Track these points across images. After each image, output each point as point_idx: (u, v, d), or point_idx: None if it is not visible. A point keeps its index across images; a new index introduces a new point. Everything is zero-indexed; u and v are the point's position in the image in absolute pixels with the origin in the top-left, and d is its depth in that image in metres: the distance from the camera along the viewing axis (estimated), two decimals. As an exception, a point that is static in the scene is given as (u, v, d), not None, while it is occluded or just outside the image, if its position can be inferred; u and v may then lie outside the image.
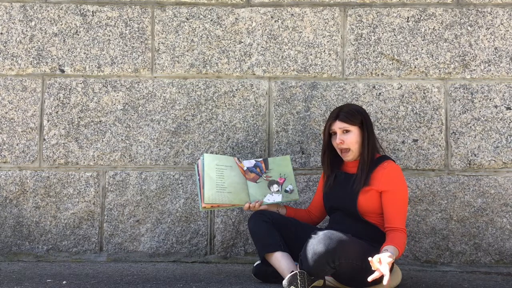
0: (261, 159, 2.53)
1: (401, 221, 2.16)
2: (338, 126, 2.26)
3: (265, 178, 2.47)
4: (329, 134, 2.32)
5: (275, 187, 2.45)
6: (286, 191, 2.45)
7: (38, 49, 2.90)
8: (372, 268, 1.92)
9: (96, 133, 2.87)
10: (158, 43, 2.90)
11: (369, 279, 1.91)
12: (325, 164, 2.38)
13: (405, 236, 2.15)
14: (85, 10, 2.92)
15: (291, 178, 2.47)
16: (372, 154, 2.25)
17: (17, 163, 2.86)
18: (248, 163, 2.50)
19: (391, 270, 2.21)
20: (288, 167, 2.50)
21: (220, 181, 2.36)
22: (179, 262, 2.81)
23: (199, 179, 2.38)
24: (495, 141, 2.80)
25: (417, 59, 2.85)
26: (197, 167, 2.41)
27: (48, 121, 2.87)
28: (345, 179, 2.29)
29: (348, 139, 2.24)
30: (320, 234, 2.01)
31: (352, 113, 2.25)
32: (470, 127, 2.81)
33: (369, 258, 1.92)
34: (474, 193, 2.77)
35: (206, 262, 2.80)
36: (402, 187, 2.22)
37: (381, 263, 1.90)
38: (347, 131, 2.25)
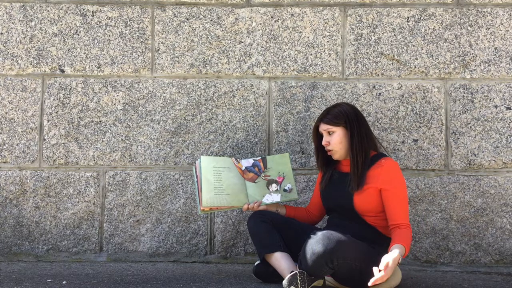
0: (260, 157, 2.53)
1: (405, 217, 2.17)
2: (322, 128, 2.29)
3: (263, 178, 2.46)
4: (317, 135, 2.35)
5: (273, 187, 2.45)
6: (285, 190, 2.44)
7: (38, 49, 2.90)
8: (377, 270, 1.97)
9: (96, 133, 2.87)
10: (158, 43, 2.90)
11: (369, 283, 1.94)
12: (319, 164, 2.40)
13: (410, 231, 2.16)
14: (85, 10, 2.92)
15: (290, 177, 2.47)
16: (364, 153, 2.24)
17: (17, 163, 2.86)
18: (247, 162, 2.50)
19: None
20: (287, 165, 2.49)
21: (218, 183, 2.36)
22: (179, 262, 2.81)
23: (197, 182, 2.38)
24: (495, 141, 2.80)
25: (417, 59, 2.85)
26: (195, 169, 2.41)
27: (48, 121, 2.87)
28: (340, 179, 2.30)
29: (332, 140, 2.26)
30: (319, 234, 2.02)
31: (336, 115, 2.26)
32: (470, 127, 2.81)
33: (377, 267, 1.97)
34: (474, 193, 2.77)
35: (206, 262, 2.80)
36: (401, 183, 2.22)
37: (387, 267, 1.95)
38: (332, 132, 2.27)
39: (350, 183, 2.22)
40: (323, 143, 2.29)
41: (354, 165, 2.23)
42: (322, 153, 2.36)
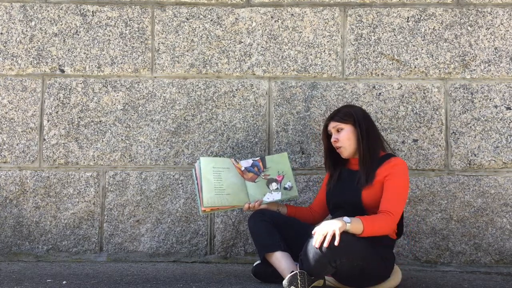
0: (259, 157, 2.54)
1: (393, 205, 2.12)
2: (332, 126, 2.33)
3: (263, 177, 2.46)
4: (327, 137, 2.37)
5: (274, 185, 2.45)
6: (285, 188, 2.45)
7: (38, 49, 2.90)
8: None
9: (96, 133, 2.87)
10: (158, 43, 2.90)
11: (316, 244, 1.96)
12: (328, 166, 2.42)
13: (389, 218, 2.09)
14: (85, 10, 2.92)
15: (289, 175, 2.47)
16: (372, 151, 2.25)
17: (17, 163, 2.86)
18: (246, 163, 2.50)
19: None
20: (286, 164, 2.50)
21: (218, 183, 2.36)
22: (179, 262, 2.81)
23: (197, 183, 2.38)
24: (495, 141, 2.80)
25: (417, 59, 2.85)
26: (195, 171, 2.41)
27: (48, 121, 2.87)
28: (349, 176, 2.31)
29: (340, 136, 2.29)
30: (321, 233, 2.01)
31: (345, 113, 2.32)
32: (470, 127, 2.81)
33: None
34: (474, 193, 2.77)
35: (206, 262, 2.80)
36: (403, 176, 2.20)
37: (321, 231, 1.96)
38: (340, 129, 2.30)
39: (359, 179, 2.23)
40: (332, 140, 2.31)
41: (363, 161, 2.25)
42: (331, 154, 2.38)
